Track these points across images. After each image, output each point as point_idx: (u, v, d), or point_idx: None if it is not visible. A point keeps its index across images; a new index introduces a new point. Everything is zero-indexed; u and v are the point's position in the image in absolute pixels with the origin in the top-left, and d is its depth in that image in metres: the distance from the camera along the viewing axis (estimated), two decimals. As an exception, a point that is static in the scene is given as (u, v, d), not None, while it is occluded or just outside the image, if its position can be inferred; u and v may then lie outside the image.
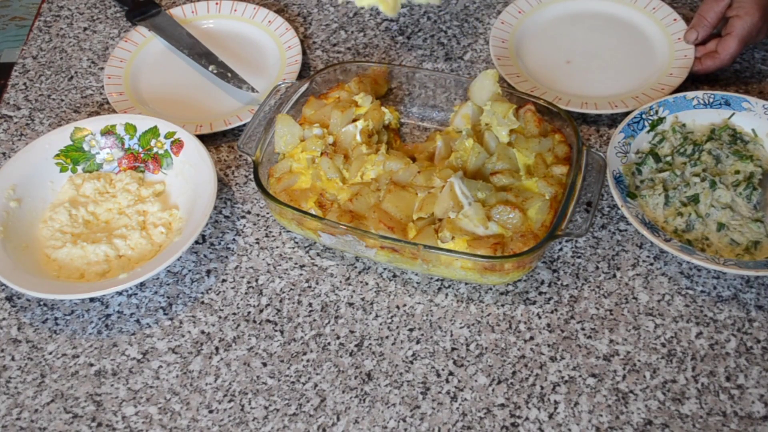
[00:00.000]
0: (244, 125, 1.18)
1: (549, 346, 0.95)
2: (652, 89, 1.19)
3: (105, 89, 1.24)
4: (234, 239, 1.08)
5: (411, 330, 0.98)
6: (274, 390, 0.93)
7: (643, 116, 1.11)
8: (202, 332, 0.99)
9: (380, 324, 0.98)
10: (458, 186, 0.97)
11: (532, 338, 0.96)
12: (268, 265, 1.05)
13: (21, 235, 1.05)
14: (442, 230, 0.97)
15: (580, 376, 0.93)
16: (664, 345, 0.95)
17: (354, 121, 1.09)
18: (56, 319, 1.00)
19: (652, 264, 1.02)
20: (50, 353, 0.97)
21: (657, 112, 1.11)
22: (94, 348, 0.98)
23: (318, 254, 1.05)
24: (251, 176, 1.15)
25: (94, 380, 0.95)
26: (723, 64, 1.19)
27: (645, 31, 1.30)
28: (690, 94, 1.13)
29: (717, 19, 1.20)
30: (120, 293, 1.02)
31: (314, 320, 0.99)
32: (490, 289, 1.01)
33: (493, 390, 0.92)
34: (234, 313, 1.00)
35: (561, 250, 1.04)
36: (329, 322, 0.99)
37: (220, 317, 1.00)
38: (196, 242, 1.07)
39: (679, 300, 0.99)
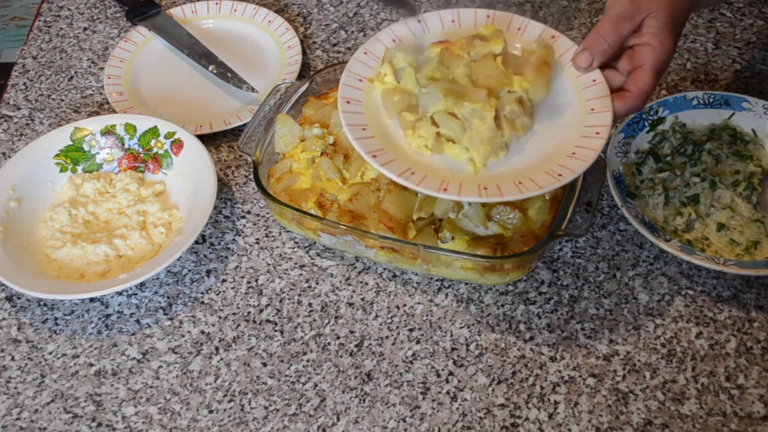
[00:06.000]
0: (244, 125, 1.18)
1: (549, 346, 0.95)
2: (579, 145, 0.89)
3: (105, 89, 1.24)
4: (234, 239, 1.07)
5: (411, 330, 0.97)
6: (274, 390, 0.93)
7: (643, 116, 1.11)
8: (202, 332, 0.98)
9: (380, 324, 0.98)
10: (458, 186, 0.97)
11: (532, 338, 0.96)
12: (268, 265, 1.05)
13: (21, 235, 1.05)
14: (442, 230, 0.97)
15: (580, 376, 0.93)
16: (664, 345, 0.95)
17: (354, 121, 1.09)
18: (56, 319, 1.00)
19: (652, 264, 1.02)
20: (50, 353, 0.97)
21: (657, 112, 1.11)
22: (94, 348, 0.98)
23: (318, 254, 1.05)
24: (251, 176, 1.15)
25: (94, 380, 0.95)
26: (636, 106, 0.91)
27: None
28: (690, 94, 1.13)
29: (619, 44, 0.92)
30: (120, 293, 1.02)
31: (314, 320, 0.99)
32: (490, 289, 1.01)
33: (493, 390, 0.92)
34: (234, 313, 1.00)
35: (561, 250, 1.04)
36: (329, 322, 0.99)
37: (220, 317, 1.00)
38: (196, 242, 1.07)
39: (679, 300, 0.99)
